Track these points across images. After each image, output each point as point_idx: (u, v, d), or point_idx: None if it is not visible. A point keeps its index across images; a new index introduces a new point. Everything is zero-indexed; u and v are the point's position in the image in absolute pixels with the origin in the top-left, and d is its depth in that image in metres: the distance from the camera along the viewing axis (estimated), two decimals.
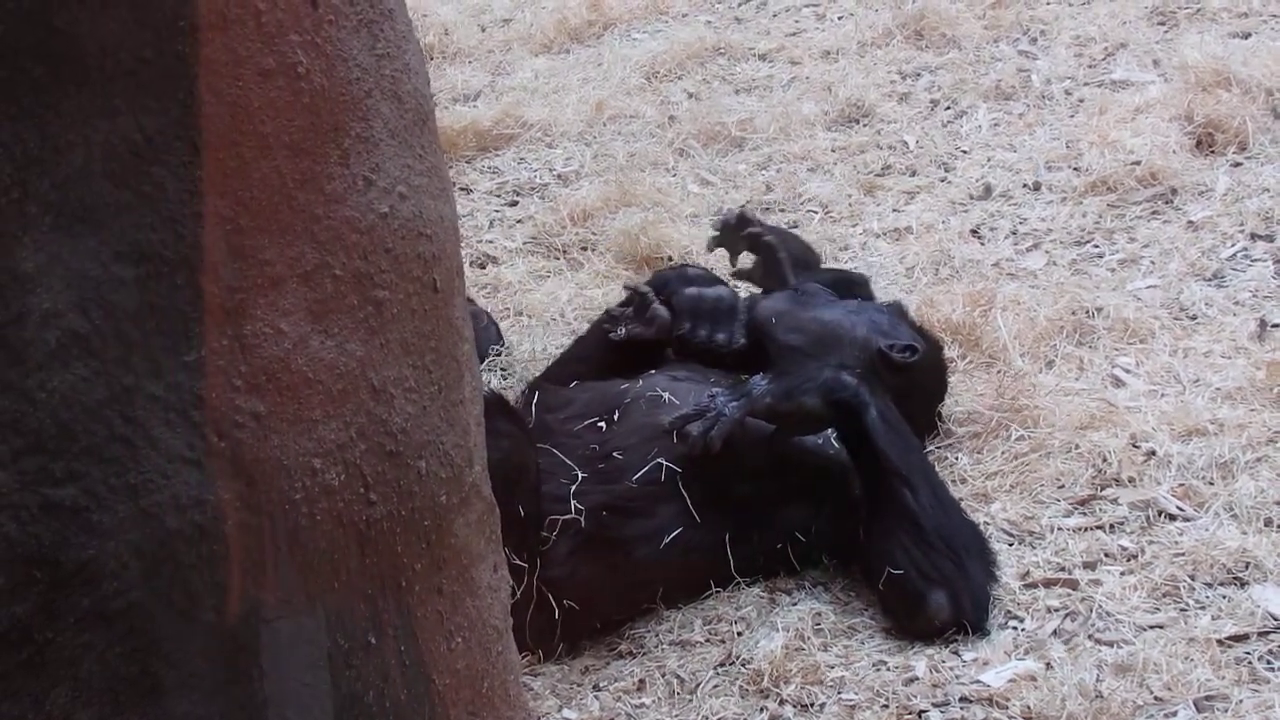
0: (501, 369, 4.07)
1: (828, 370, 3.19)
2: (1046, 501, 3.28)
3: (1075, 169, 4.64)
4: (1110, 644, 2.85)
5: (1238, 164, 4.50)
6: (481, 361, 3.80)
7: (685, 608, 3.16)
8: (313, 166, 1.72)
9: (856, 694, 2.84)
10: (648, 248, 4.46)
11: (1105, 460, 3.33)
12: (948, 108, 5.17)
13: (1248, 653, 2.80)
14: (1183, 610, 2.93)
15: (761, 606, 3.11)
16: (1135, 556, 3.09)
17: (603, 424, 3.30)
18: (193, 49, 1.63)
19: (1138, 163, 4.51)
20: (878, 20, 5.74)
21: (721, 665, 2.97)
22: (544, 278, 4.52)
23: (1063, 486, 3.31)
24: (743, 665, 2.95)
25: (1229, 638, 2.83)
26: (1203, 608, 2.92)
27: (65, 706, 1.63)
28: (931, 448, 3.49)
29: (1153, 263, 4.13)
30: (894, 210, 4.64)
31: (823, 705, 2.82)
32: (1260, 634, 2.84)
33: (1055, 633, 2.92)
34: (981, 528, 3.16)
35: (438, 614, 1.87)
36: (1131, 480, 3.29)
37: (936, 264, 4.27)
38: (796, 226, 4.58)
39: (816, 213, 4.69)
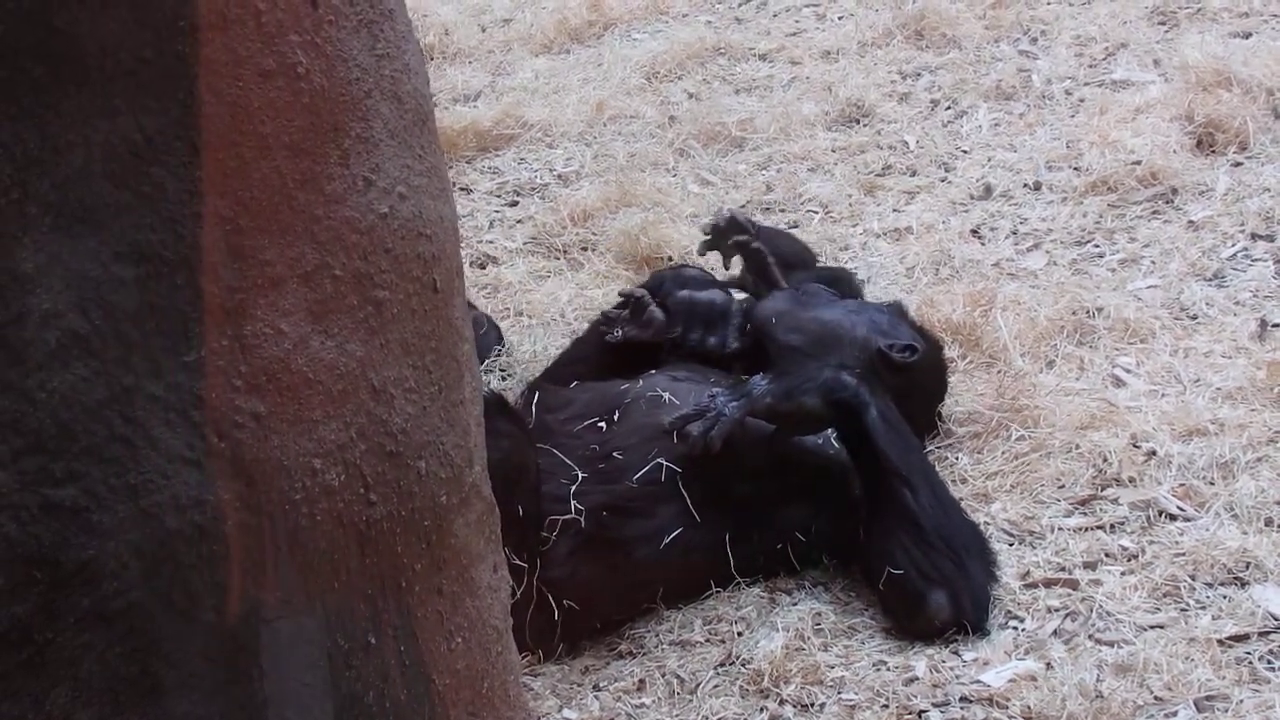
0: (501, 370, 4.07)
1: (828, 370, 3.19)
2: (1047, 501, 3.28)
3: (1076, 169, 4.64)
4: (1111, 644, 2.85)
5: (1238, 164, 4.50)
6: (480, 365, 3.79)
7: (685, 608, 3.16)
8: (312, 167, 1.72)
9: (856, 694, 2.84)
10: (648, 248, 4.46)
11: (1106, 460, 3.33)
12: (948, 108, 5.17)
13: (1248, 653, 2.80)
14: (1183, 610, 2.93)
15: (761, 606, 3.11)
16: (1136, 556, 3.09)
17: (603, 424, 3.30)
18: (193, 49, 1.63)
19: (1138, 163, 4.51)
20: (878, 20, 5.74)
21: (721, 665, 2.97)
22: (544, 278, 4.52)
23: (1063, 486, 3.31)
24: (743, 665, 2.95)
25: (1229, 638, 2.83)
26: (1203, 608, 2.92)
27: (65, 706, 1.63)
28: (932, 448, 3.49)
29: (1153, 263, 4.13)
30: (894, 210, 4.64)
31: (823, 705, 2.82)
32: (1261, 634, 2.84)
33: (1055, 633, 2.92)
34: (982, 528, 3.16)
35: (438, 614, 1.87)
36: (1132, 480, 3.29)
37: (937, 264, 4.27)
38: (796, 226, 4.58)
39: (817, 213, 4.69)
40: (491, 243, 4.78)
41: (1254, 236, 4.18)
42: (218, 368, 1.67)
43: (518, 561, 2.93)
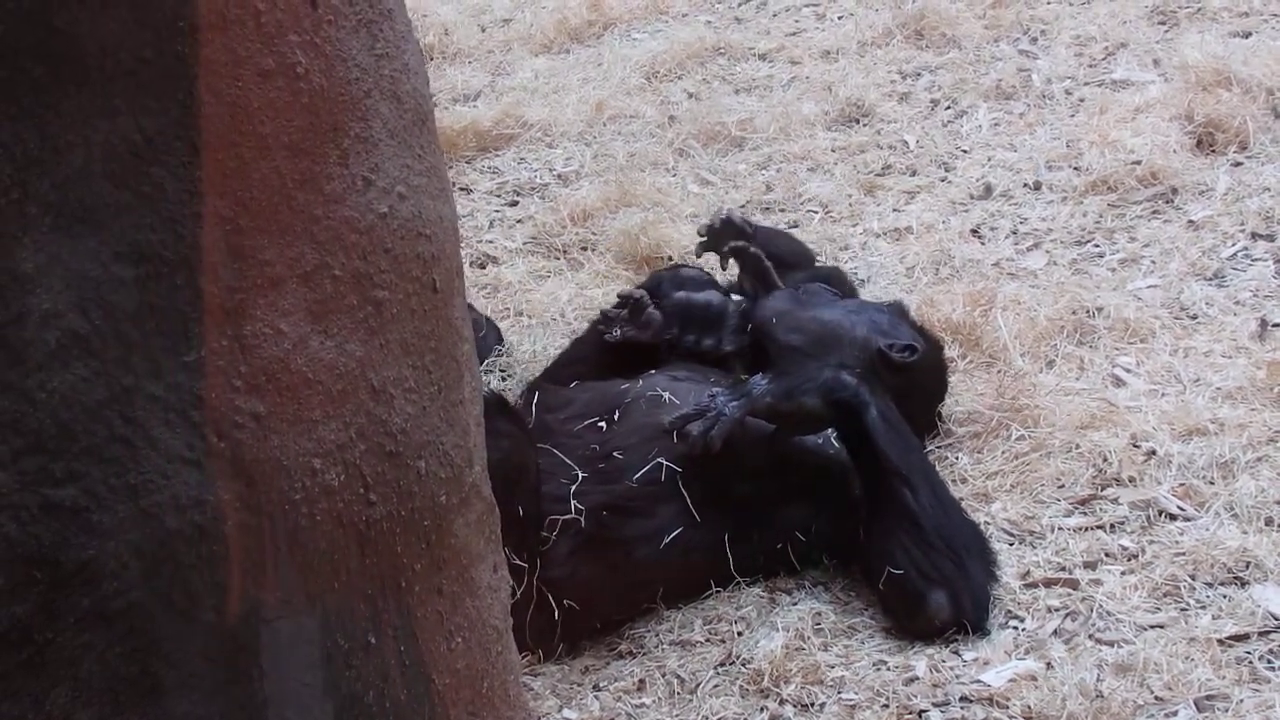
0: (501, 370, 4.07)
1: (828, 370, 3.19)
2: (1047, 501, 3.28)
3: (1076, 168, 4.64)
4: (1111, 644, 2.85)
5: (1238, 163, 4.50)
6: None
7: (685, 607, 3.16)
8: (312, 167, 1.72)
9: (857, 694, 2.84)
10: (648, 248, 4.46)
11: (1106, 460, 3.33)
12: (948, 107, 5.17)
13: (1248, 652, 2.80)
14: (1183, 610, 2.93)
15: (761, 606, 3.11)
16: (1136, 556, 3.09)
17: (603, 424, 3.30)
18: (192, 49, 1.63)
19: (1138, 162, 4.51)
20: (878, 20, 5.74)
21: (722, 665, 2.97)
22: (544, 278, 4.52)
23: (1063, 486, 3.31)
24: (743, 665, 2.95)
25: (1229, 637, 2.83)
26: (1203, 607, 2.92)
27: (65, 706, 1.63)
28: (932, 447, 3.49)
29: (1153, 262, 4.13)
30: (894, 210, 4.64)
31: (823, 705, 2.82)
32: (1261, 633, 2.84)
33: (1056, 632, 2.92)
34: (982, 527, 3.16)
35: (438, 614, 1.87)
36: (1132, 480, 3.28)
37: (937, 264, 4.27)
38: (796, 226, 4.58)
39: (816, 213, 4.69)
40: (491, 243, 4.78)
41: (1254, 236, 4.18)
42: (217, 368, 1.67)
43: (518, 561, 2.94)
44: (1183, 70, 4.87)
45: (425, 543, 1.86)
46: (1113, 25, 5.44)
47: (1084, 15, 5.57)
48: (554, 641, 3.10)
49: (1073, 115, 4.95)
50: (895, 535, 3.02)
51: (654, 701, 2.91)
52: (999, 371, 3.68)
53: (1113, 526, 3.18)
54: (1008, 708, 2.74)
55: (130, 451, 1.63)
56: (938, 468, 3.30)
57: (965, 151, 4.90)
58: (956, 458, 3.47)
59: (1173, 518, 3.18)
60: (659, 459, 3.18)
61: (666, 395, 3.32)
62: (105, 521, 1.62)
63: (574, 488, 3.15)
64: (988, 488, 3.35)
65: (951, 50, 5.48)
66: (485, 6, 6.58)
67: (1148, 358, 3.70)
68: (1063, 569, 3.08)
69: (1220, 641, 2.81)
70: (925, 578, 2.98)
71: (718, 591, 3.17)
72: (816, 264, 4.14)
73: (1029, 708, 2.71)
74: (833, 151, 4.99)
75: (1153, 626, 2.89)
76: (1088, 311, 3.87)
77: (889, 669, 2.90)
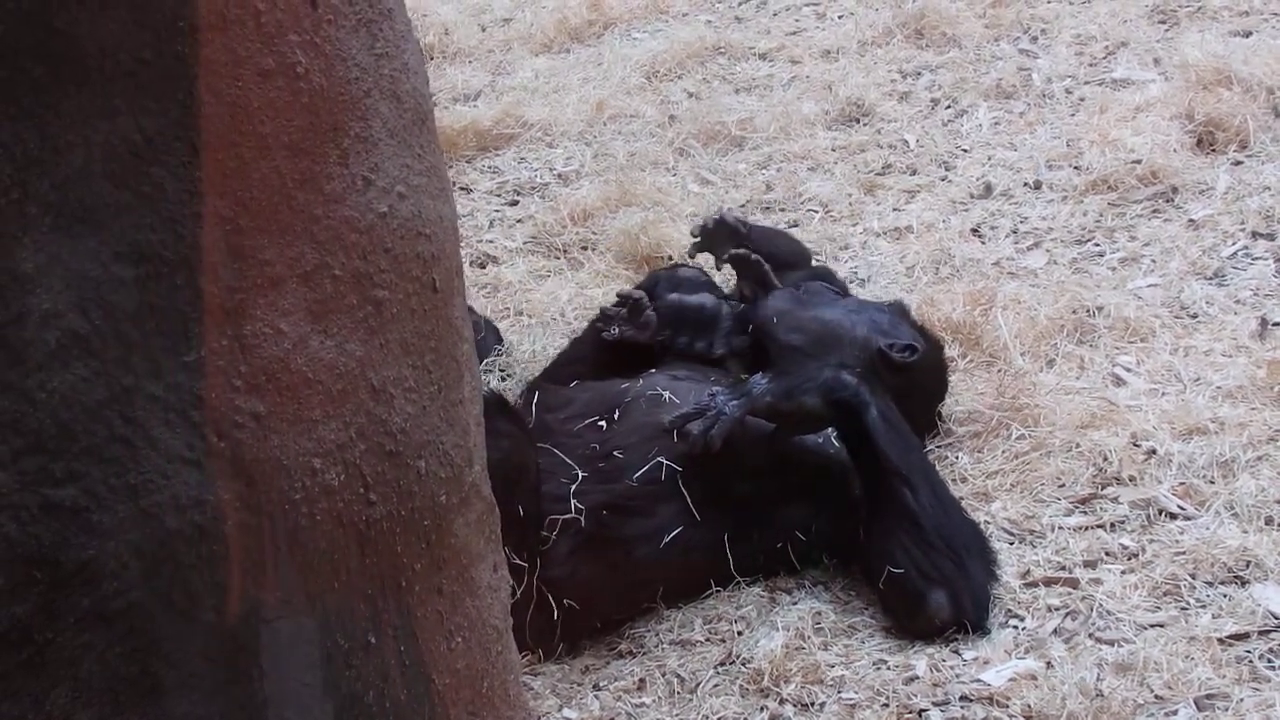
0: (501, 370, 4.07)
1: (828, 370, 3.19)
2: (1047, 500, 3.28)
3: (1076, 168, 4.64)
4: (1111, 643, 2.85)
5: (1238, 162, 4.50)
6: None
7: (685, 607, 3.16)
8: (312, 166, 1.72)
9: (857, 693, 2.84)
10: (648, 247, 4.46)
11: (1106, 459, 3.33)
12: (948, 107, 5.17)
13: (1248, 651, 2.80)
14: (1183, 609, 2.93)
15: (762, 606, 3.11)
16: (1136, 555, 3.09)
17: (603, 423, 3.30)
18: (192, 49, 1.63)
19: (1138, 161, 4.51)
20: (878, 19, 5.75)
21: (722, 664, 2.97)
22: (544, 277, 4.52)
23: (1063, 485, 3.31)
24: (743, 664, 2.95)
25: (1230, 636, 2.83)
26: (1203, 606, 2.92)
27: (65, 706, 1.63)
28: (932, 447, 3.49)
29: (1153, 261, 4.13)
30: (894, 209, 4.64)
31: (823, 704, 2.82)
32: (1261, 633, 2.84)
33: (1056, 631, 2.92)
34: (982, 527, 3.16)
35: (437, 614, 1.87)
36: (1132, 479, 3.28)
37: (937, 263, 4.27)
38: (796, 226, 4.58)
39: (817, 212, 4.69)
40: (491, 242, 4.78)
41: (1254, 235, 4.18)
42: (217, 368, 1.67)
43: (518, 561, 2.94)
44: (1183, 69, 4.87)
45: (425, 542, 1.86)
46: (1113, 24, 5.44)
47: (1084, 14, 5.57)
48: (554, 641, 3.10)
49: (1073, 114, 4.95)
50: (895, 535, 3.02)
51: (654, 701, 2.91)
52: (999, 371, 3.68)
53: (1113, 526, 3.18)
54: (1008, 707, 2.74)
55: (130, 451, 1.63)
56: (938, 467, 3.30)
57: (965, 151, 4.90)
58: (956, 457, 3.47)
59: (1173, 517, 3.18)
60: (659, 458, 3.18)
61: (666, 394, 3.32)
62: (105, 521, 1.62)
63: (574, 487, 3.15)
64: (988, 487, 3.35)
65: (952, 49, 5.48)
66: (485, 6, 6.58)
67: (1148, 357, 3.70)
68: (1063, 568, 3.08)
69: (1220, 641, 2.81)
70: (925, 577, 2.98)
71: (718, 591, 3.17)
72: (814, 263, 4.14)
73: (1029, 707, 2.71)
74: (833, 151, 4.99)
75: (1153, 626, 2.89)
76: (1088, 311, 3.87)
77: (889, 668, 2.90)
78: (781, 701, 2.84)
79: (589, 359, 3.67)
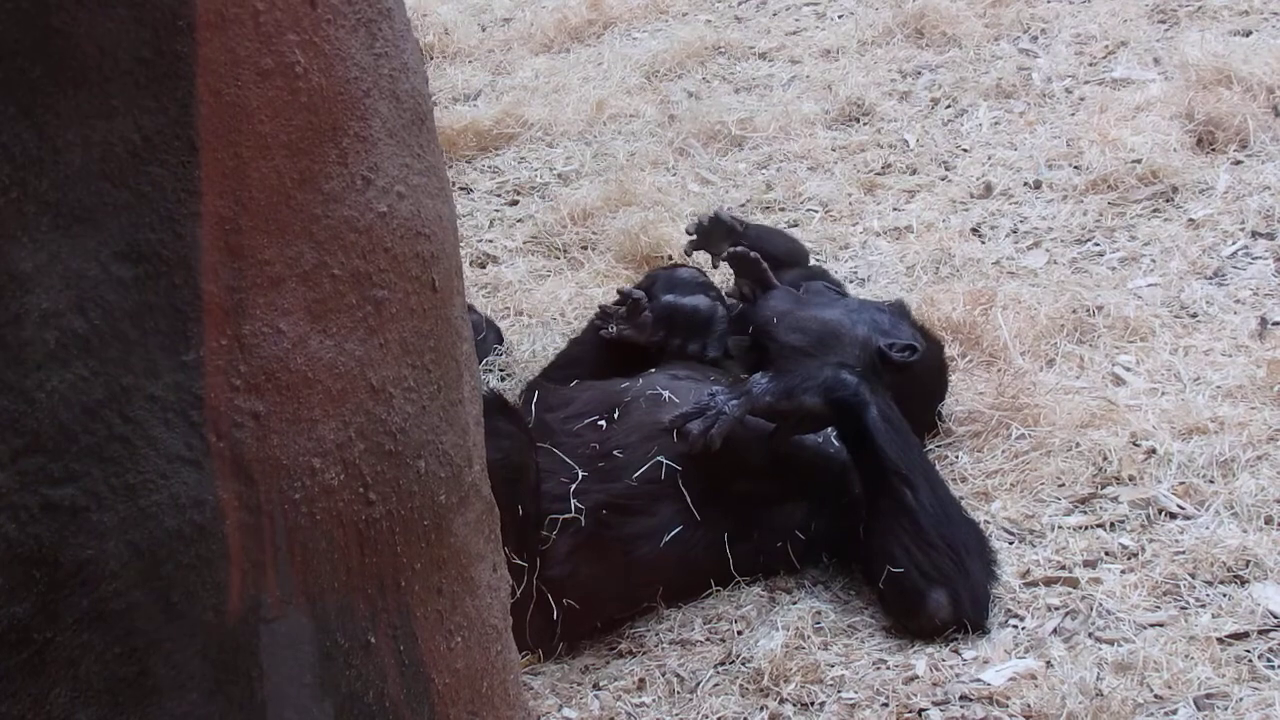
0: (501, 369, 4.07)
1: (828, 369, 3.20)
2: (1047, 500, 3.28)
3: (1076, 167, 4.64)
4: (1110, 642, 2.85)
5: (1238, 162, 4.50)
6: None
7: (685, 606, 3.16)
8: (311, 166, 1.72)
9: (856, 693, 2.84)
10: (648, 247, 4.46)
11: (1106, 459, 3.33)
12: (948, 106, 5.17)
13: (1248, 651, 2.80)
14: (1183, 608, 2.93)
15: (761, 605, 3.11)
16: (1136, 555, 3.09)
17: (603, 423, 3.30)
18: (191, 49, 1.63)
19: (1138, 161, 4.51)
20: (878, 19, 5.75)
21: (722, 664, 2.97)
22: (544, 277, 4.52)
23: (1063, 485, 3.31)
24: (743, 664, 2.95)
25: (1229, 636, 2.83)
26: (1203, 606, 2.92)
27: (64, 706, 1.63)
28: (932, 446, 3.49)
29: (1153, 261, 4.13)
30: (894, 209, 4.64)
31: (822, 704, 2.82)
32: (1260, 632, 2.84)
33: (1055, 631, 2.92)
34: (982, 526, 3.16)
35: (437, 613, 1.87)
36: (1132, 478, 3.29)
37: (937, 263, 4.27)
38: (796, 225, 4.58)
39: (816, 212, 4.69)
40: (491, 242, 4.78)
41: (1254, 234, 4.18)
42: (217, 367, 1.67)
43: (518, 560, 2.94)
44: (1183, 69, 4.87)
45: (425, 542, 1.86)
46: (1113, 24, 5.44)
47: (1084, 14, 5.57)
48: (554, 640, 3.10)
49: (1073, 114, 4.95)
50: (895, 534, 3.02)
51: (654, 700, 2.91)
52: (999, 370, 3.68)
53: (1113, 525, 3.18)
54: (1007, 706, 2.74)
55: (129, 451, 1.63)
56: (938, 467, 3.30)
57: (965, 150, 4.90)
58: (956, 457, 3.47)
59: (1173, 516, 3.18)
60: (659, 458, 3.18)
61: (666, 394, 3.32)
62: (104, 521, 1.62)
63: (574, 486, 3.15)
64: (988, 486, 3.35)
65: (952, 49, 5.48)
66: (485, 6, 6.58)
67: (1148, 356, 3.70)
68: (1063, 568, 3.08)
69: (1220, 640, 2.81)
70: (925, 576, 2.99)
71: (718, 590, 3.17)
72: (810, 260, 4.14)
73: (1029, 706, 2.71)
74: (833, 150, 4.99)
75: (1152, 625, 2.89)
76: (1088, 310, 3.87)
77: (889, 668, 2.90)
78: (781, 701, 2.84)
79: (589, 359, 3.68)
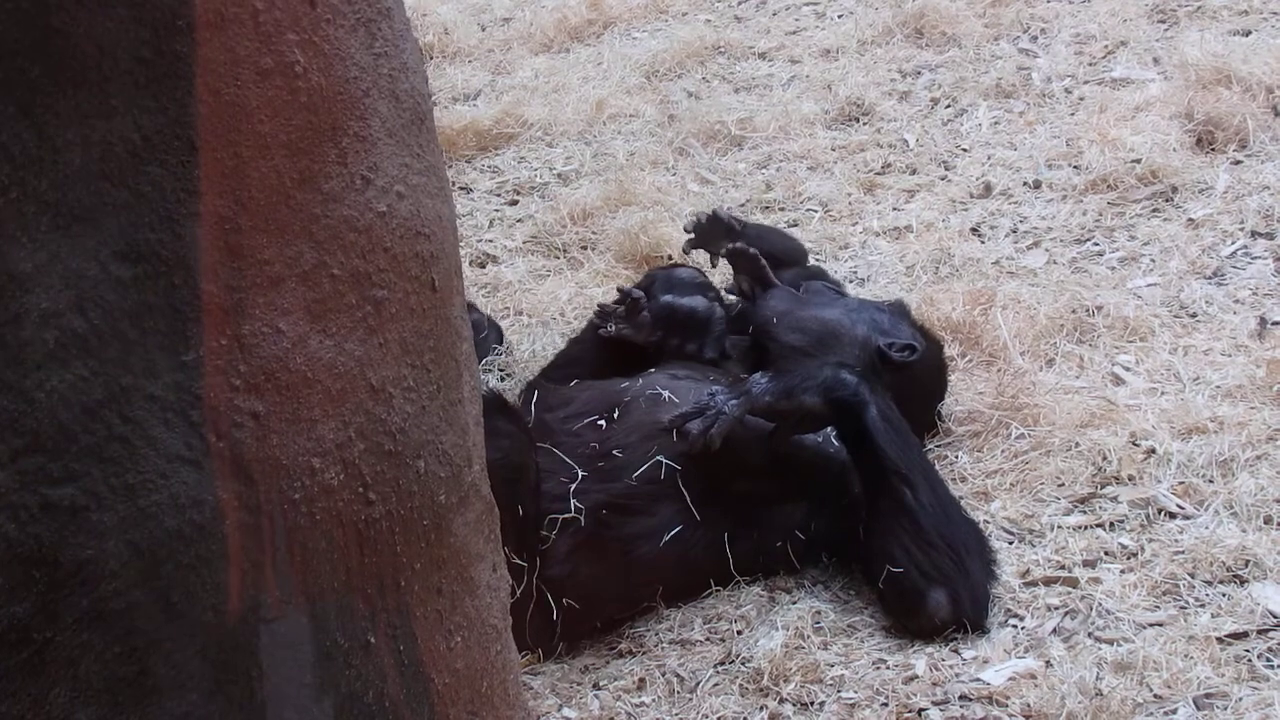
0: (501, 369, 4.07)
1: (827, 369, 3.20)
2: (1046, 500, 3.28)
3: (1075, 167, 4.64)
4: (1110, 642, 2.85)
5: (1238, 162, 4.50)
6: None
7: (685, 606, 3.16)
8: (310, 165, 1.72)
9: (856, 692, 2.84)
10: (648, 247, 4.46)
11: (1105, 458, 3.33)
12: (948, 106, 5.17)
13: (1247, 650, 2.80)
14: (1182, 608, 2.93)
15: (761, 605, 3.11)
16: (1135, 554, 3.09)
17: (602, 422, 3.30)
18: (190, 48, 1.63)
19: (1138, 161, 4.51)
20: (878, 18, 5.75)
21: (721, 664, 2.97)
22: (544, 277, 4.52)
23: (1063, 485, 3.31)
24: (742, 664, 2.95)
25: (1229, 635, 2.83)
26: (1202, 605, 2.92)
27: (64, 706, 1.63)
28: (931, 446, 3.49)
29: (1153, 261, 4.13)
30: (894, 209, 4.64)
31: (822, 704, 2.82)
32: (1260, 631, 2.84)
33: (1055, 631, 2.92)
34: (981, 526, 3.16)
35: (437, 613, 1.87)
36: (1131, 478, 3.29)
37: (936, 262, 4.27)
38: (796, 225, 4.58)
39: (816, 211, 4.69)
40: (491, 242, 4.78)
41: (1254, 234, 4.18)
42: (216, 367, 1.67)
43: (517, 560, 2.94)
44: (1182, 68, 4.87)
45: (424, 542, 1.86)
46: (1113, 23, 5.44)
47: (1084, 13, 5.57)
48: (554, 640, 3.10)
49: (1072, 114, 4.95)
50: (895, 534, 3.02)
51: (654, 700, 2.91)
52: (999, 370, 3.68)
53: (1112, 525, 3.18)
54: (1007, 706, 2.74)
55: (129, 451, 1.63)
56: (937, 467, 3.30)
57: (965, 150, 4.90)
58: (956, 456, 3.47)
59: (1172, 516, 3.18)
60: (659, 457, 3.18)
61: (666, 394, 3.32)
62: (104, 521, 1.62)
63: (574, 486, 3.15)
64: (987, 486, 3.35)
65: (951, 49, 5.48)
66: (485, 6, 6.58)
67: (1147, 356, 3.70)
68: (1062, 567, 3.08)
69: (1219, 639, 2.81)
70: (925, 576, 2.98)
71: (717, 590, 3.17)
72: (810, 260, 4.14)
73: (1028, 706, 2.71)
74: (832, 150, 4.99)
75: (1152, 625, 2.89)
76: (1087, 310, 3.87)
77: (888, 667, 2.90)
78: (781, 701, 2.84)
79: (588, 358, 3.68)
